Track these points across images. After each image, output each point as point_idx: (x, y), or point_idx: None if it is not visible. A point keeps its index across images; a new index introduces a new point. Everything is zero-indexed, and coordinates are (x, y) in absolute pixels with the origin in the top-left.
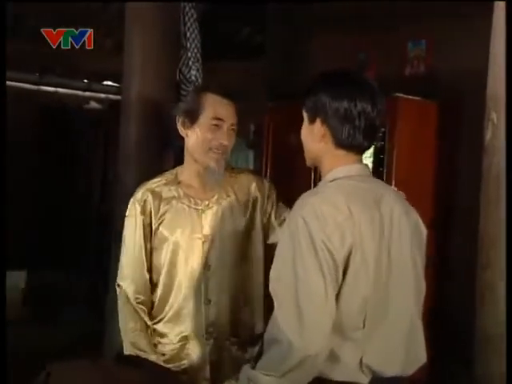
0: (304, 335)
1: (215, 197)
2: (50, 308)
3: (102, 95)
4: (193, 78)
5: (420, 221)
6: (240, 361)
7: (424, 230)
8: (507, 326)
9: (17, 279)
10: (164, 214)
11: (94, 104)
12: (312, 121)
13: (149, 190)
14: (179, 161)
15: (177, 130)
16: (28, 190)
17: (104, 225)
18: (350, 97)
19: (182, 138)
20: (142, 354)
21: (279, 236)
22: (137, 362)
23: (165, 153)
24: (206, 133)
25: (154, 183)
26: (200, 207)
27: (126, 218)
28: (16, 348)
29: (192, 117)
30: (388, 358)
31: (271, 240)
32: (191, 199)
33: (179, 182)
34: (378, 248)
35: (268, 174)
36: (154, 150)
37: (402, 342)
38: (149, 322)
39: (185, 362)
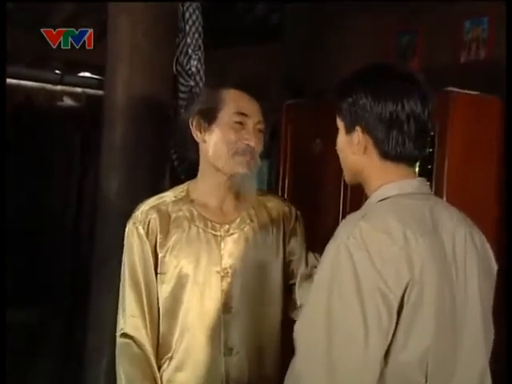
0: None
1: (237, 220)
2: (17, 354)
3: (79, 90)
4: (193, 69)
5: (489, 249)
6: None
7: (493, 260)
8: (507, 327)
9: None
10: (173, 238)
11: (68, 101)
12: (350, 130)
13: (153, 207)
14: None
15: (177, 137)
16: None
17: (82, 250)
18: (396, 97)
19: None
20: None
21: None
22: None
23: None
24: (228, 132)
25: (160, 199)
26: (219, 233)
27: (125, 246)
28: None
29: (210, 115)
30: None
31: (300, 300)
32: (208, 222)
33: (192, 201)
34: (439, 284)
35: (286, 190)
36: (144, 158)
37: None
38: (157, 374)
39: None
